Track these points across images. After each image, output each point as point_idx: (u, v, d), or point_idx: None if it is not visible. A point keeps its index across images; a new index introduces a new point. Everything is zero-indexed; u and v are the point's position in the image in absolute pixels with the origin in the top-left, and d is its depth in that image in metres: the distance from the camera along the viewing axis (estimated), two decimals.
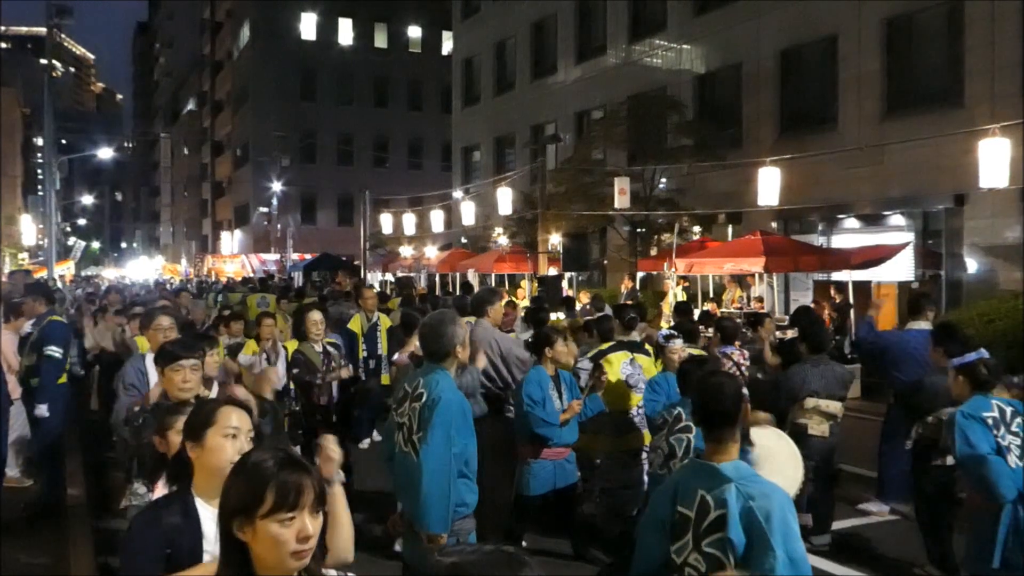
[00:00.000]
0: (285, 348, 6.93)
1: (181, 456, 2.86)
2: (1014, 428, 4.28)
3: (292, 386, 6.56)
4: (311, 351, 6.57)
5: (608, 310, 12.25)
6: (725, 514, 2.47)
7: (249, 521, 1.73)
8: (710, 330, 11.87)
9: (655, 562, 2.69)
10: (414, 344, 5.84)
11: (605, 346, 6.56)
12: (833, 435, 6.06)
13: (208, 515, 2.33)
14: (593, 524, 6.20)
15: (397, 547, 4.80)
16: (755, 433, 4.52)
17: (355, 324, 9.02)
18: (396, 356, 6.03)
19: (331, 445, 2.46)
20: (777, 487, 2.57)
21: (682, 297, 15.38)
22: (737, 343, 7.47)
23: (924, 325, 6.67)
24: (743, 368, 6.93)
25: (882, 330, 7.56)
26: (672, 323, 9.23)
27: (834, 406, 6.03)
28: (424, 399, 3.88)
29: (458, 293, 15.25)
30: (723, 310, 15.20)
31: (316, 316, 6.71)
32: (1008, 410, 4.34)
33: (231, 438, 2.48)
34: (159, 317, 5.37)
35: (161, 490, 2.99)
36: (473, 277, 22.35)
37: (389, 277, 27.99)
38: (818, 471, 5.95)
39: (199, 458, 2.50)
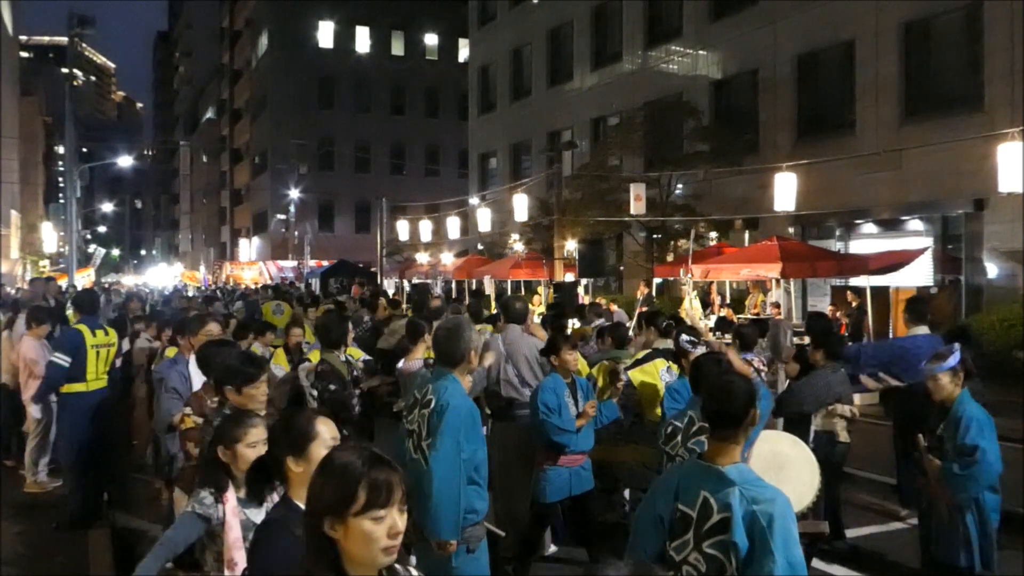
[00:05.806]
0: (309, 359, 6.86)
1: (219, 463, 3.02)
2: None
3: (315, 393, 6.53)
4: (336, 360, 6.53)
5: (623, 315, 12.25)
6: (729, 517, 2.50)
7: (341, 519, 1.77)
8: (727, 336, 11.90)
9: (650, 555, 2.72)
10: (420, 351, 5.81)
11: (641, 354, 6.51)
12: (849, 437, 6.19)
13: None
14: (609, 531, 6.16)
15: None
16: (772, 440, 4.51)
17: None
18: (401, 364, 6.01)
19: None
20: (779, 492, 2.60)
21: (697, 303, 15.32)
22: (756, 350, 7.40)
23: (924, 330, 6.57)
24: (762, 375, 6.87)
25: (881, 341, 7.50)
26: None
27: (854, 409, 6.16)
28: (433, 405, 3.89)
29: (469, 299, 15.21)
30: (744, 316, 15.13)
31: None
32: None
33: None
34: (209, 323, 5.43)
35: (231, 500, 2.98)
36: (489, 283, 22.38)
37: (406, 284, 28.09)
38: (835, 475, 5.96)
39: (305, 471, 2.40)
